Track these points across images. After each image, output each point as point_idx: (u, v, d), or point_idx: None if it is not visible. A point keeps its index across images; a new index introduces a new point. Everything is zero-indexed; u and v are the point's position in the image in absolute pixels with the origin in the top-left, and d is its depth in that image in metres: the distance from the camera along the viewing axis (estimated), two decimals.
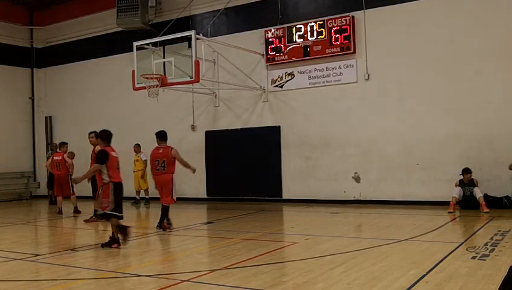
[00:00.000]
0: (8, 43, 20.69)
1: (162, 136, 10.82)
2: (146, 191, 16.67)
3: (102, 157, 8.80)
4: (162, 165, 10.51)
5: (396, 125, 14.16)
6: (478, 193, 12.19)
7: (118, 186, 8.79)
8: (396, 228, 10.35)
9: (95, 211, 12.45)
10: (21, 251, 8.81)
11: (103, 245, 8.75)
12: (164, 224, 10.62)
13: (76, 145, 16.84)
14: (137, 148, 16.79)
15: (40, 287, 6.33)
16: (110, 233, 8.89)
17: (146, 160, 16.53)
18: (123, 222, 8.84)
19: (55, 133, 21.15)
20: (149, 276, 6.65)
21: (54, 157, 14.46)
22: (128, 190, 16.74)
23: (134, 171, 16.67)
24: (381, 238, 9.02)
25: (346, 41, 14.60)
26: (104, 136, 9.21)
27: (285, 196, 15.80)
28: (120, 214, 8.77)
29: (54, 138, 20.93)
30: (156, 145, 10.77)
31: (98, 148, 12.73)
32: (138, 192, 16.69)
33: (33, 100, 21.77)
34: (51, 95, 21.52)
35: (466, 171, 12.47)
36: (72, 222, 13.09)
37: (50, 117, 21.39)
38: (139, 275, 6.76)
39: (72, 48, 20.64)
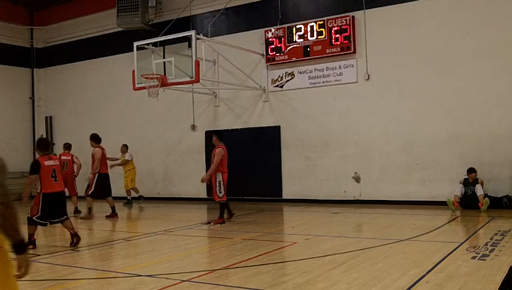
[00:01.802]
0: (8, 43, 20.70)
1: None
2: (135, 190, 16.65)
3: (32, 169, 8.85)
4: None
5: (396, 125, 14.17)
6: (479, 190, 12.27)
7: (48, 197, 8.79)
8: (397, 228, 10.35)
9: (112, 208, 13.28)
10: None
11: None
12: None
13: (77, 145, 16.76)
14: (124, 148, 16.73)
15: (41, 287, 6.34)
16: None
17: (129, 160, 16.48)
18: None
19: (56, 133, 21.15)
20: (149, 276, 6.66)
21: (62, 157, 14.46)
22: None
23: (125, 172, 16.64)
24: (381, 238, 9.02)
25: (346, 41, 14.60)
26: (40, 145, 9.16)
27: (285, 196, 15.81)
28: (44, 222, 8.89)
29: (54, 138, 20.95)
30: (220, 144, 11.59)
31: (95, 150, 13.02)
32: (129, 191, 16.64)
33: (33, 100, 21.78)
34: (51, 95, 21.52)
35: (471, 170, 12.55)
36: (72, 222, 13.06)
37: (50, 117, 21.40)
38: (139, 275, 6.76)
39: (72, 48, 20.64)
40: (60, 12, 20.77)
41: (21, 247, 3.09)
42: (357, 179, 14.68)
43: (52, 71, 21.48)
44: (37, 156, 9.14)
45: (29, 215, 8.82)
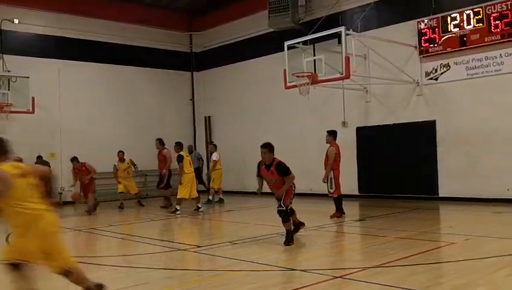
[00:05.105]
0: (171, 49, 22.38)
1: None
2: (219, 191, 17.07)
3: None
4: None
5: None
6: None
7: None
8: None
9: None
10: (184, 242, 9.49)
11: None
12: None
13: (232, 143, 17.57)
14: (212, 148, 17.39)
15: (203, 276, 6.79)
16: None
17: (215, 160, 16.93)
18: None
19: (214, 132, 22.37)
20: (303, 271, 6.81)
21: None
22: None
23: (211, 171, 17.10)
24: None
25: (508, 27, 13.53)
26: None
27: (441, 193, 15.08)
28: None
29: (213, 136, 22.16)
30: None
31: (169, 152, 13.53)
32: (212, 190, 16.99)
33: (193, 101, 23.29)
34: (208, 96, 22.80)
35: None
36: (235, 215, 13.73)
37: (209, 117, 22.68)
38: (293, 269, 6.95)
39: (226, 51, 21.64)
40: (216, 17, 21.89)
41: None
42: None
43: (209, 74, 22.74)
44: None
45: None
